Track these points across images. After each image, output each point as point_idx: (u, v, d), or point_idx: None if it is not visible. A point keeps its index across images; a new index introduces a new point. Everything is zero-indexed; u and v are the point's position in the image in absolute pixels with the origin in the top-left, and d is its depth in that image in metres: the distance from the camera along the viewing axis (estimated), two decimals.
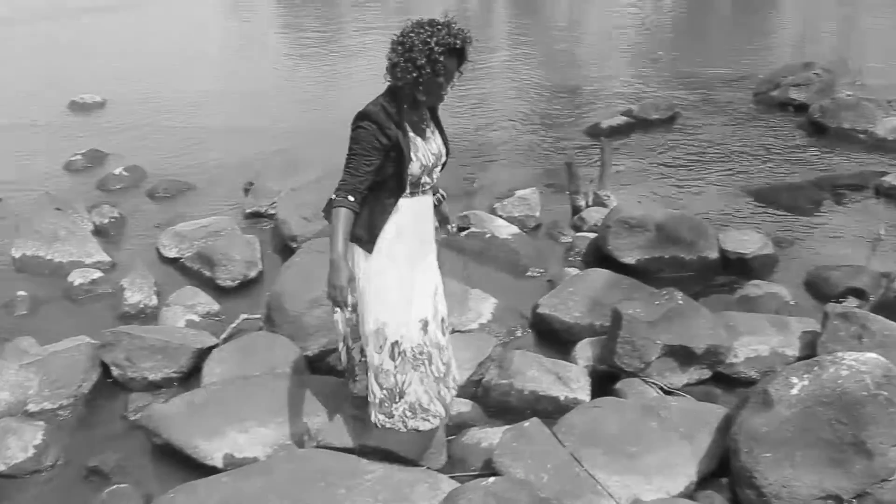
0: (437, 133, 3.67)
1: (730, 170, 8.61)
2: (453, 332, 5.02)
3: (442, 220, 4.08)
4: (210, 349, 4.97)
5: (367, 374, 3.77)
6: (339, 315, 3.77)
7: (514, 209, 7.10)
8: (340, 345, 3.90)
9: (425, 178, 3.60)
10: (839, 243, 6.79)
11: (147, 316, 5.76)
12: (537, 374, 4.54)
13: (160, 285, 6.08)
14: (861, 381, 3.55)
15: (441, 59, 3.33)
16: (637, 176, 8.35)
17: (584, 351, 4.83)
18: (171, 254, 6.65)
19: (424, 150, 3.55)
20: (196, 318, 5.58)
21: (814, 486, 3.56)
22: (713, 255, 6.13)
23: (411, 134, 3.50)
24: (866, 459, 3.52)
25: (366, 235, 3.53)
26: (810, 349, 4.74)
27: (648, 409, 4.12)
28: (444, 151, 3.69)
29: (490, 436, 4.12)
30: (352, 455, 3.94)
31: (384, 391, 3.70)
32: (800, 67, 11.71)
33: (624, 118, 10.20)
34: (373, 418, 3.78)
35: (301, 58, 15.63)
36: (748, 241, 6.18)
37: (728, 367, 4.74)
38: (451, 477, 3.88)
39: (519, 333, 5.32)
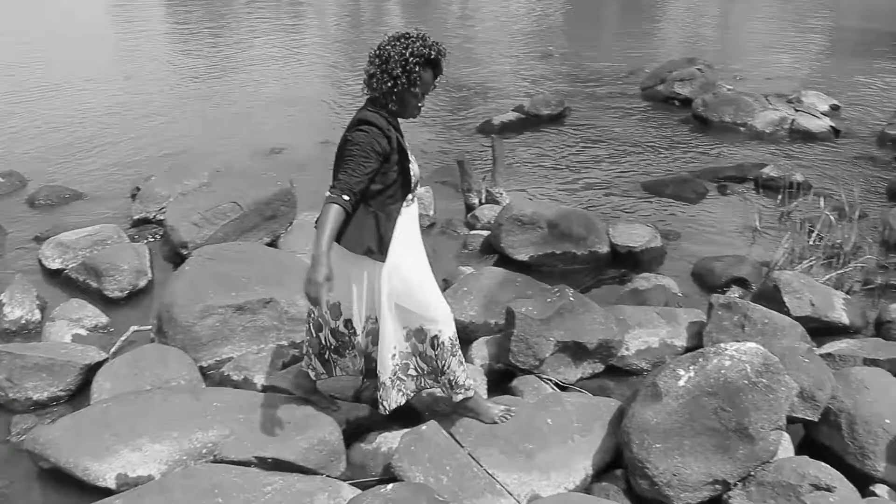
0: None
1: (619, 164, 8.84)
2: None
3: None
4: (99, 364, 4.79)
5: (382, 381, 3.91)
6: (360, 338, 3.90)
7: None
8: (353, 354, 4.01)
9: (415, 188, 3.72)
10: (723, 234, 7.06)
11: (30, 332, 5.51)
12: None
13: (43, 299, 5.81)
14: (742, 371, 3.70)
15: (416, 69, 3.46)
16: (529, 172, 8.48)
17: (480, 350, 4.87)
18: (55, 265, 6.36)
19: (413, 159, 3.68)
20: (83, 332, 5.36)
21: (702, 473, 3.69)
22: (604, 249, 6.28)
23: (402, 138, 3.61)
24: (749, 444, 3.67)
25: (376, 246, 3.57)
26: (697, 339, 4.91)
27: (544, 405, 4.19)
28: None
29: (389, 440, 4.12)
30: (250, 468, 3.88)
31: (429, 368, 3.95)
32: (683, 63, 12.12)
33: (515, 114, 10.34)
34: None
35: (189, 57, 15.25)
36: (637, 235, 6.35)
37: (620, 360, 4.87)
38: (352, 484, 3.87)
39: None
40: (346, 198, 3.38)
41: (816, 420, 4.09)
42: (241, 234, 6.28)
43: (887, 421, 3.95)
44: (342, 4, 22.76)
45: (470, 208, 7.12)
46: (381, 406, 3.96)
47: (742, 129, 10.14)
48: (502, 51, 15.25)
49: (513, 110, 10.49)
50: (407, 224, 3.71)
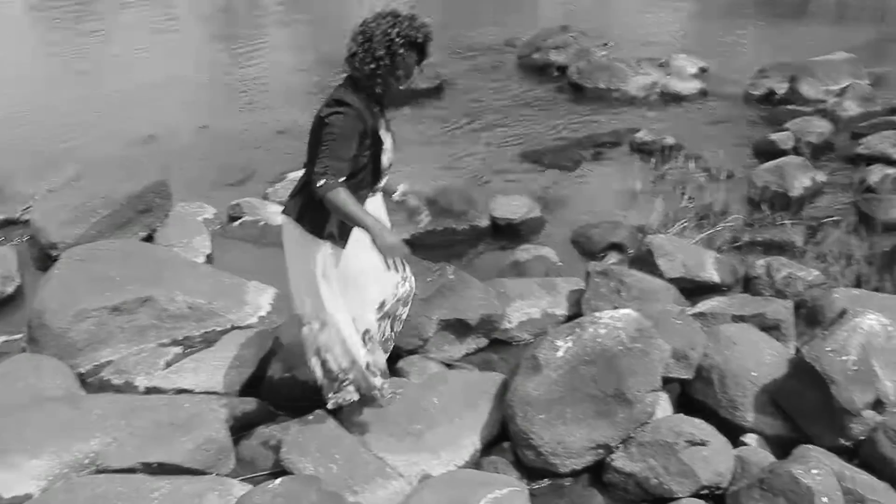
0: (387, 129, 3.63)
1: (497, 135, 8.94)
2: (232, 328, 4.96)
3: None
4: None
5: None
6: (306, 329, 3.80)
7: (286, 193, 6.87)
8: (313, 360, 3.87)
9: (386, 174, 3.62)
10: (601, 200, 7.23)
11: None
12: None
13: None
14: (617, 337, 3.83)
15: (401, 51, 3.31)
16: (408, 149, 8.39)
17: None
18: None
19: (389, 144, 3.57)
20: None
21: (585, 439, 3.81)
22: (484, 222, 6.37)
23: (378, 122, 3.48)
24: (628, 408, 3.81)
25: (338, 231, 3.49)
26: (577, 307, 5.04)
27: (430, 385, 4.24)
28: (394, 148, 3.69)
29: (278, 433, 4.08)
30: (136, 475, 3.77)
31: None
32: (557, 30, 12.29)
33: None
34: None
35: (50, 36, 14.54)
36: (516, 206, 6.46)
37: (503, 333, 4.96)
38: (242, 480, 3.83)
39: (300, 323, 5.26)
40: (342, 179, 3.25)
41: (691, 378, 4.27)
42: (115, 231, 6.07)
43: (754, 374, 4.15)
44: None
45: None
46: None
47: (616, 94, 10.39)
48: None
49: None
50: (374, 212, 3.59)
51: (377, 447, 3.89)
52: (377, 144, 3.45)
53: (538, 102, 10.16)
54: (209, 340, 4.84)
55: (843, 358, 3.83)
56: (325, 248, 3.53)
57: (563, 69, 11.28)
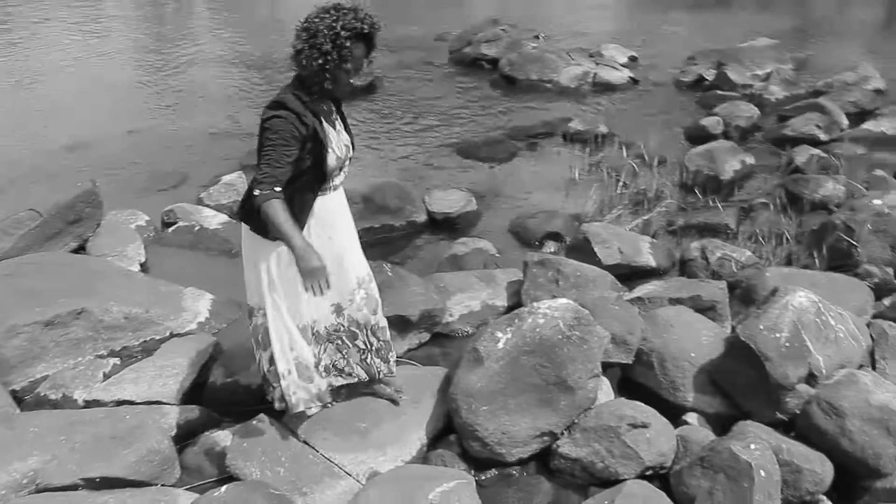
0: (341, 126, 3.58)
1: (432, 130, 8.94)
2: (171, 336, 4.89)
3: None
4: None
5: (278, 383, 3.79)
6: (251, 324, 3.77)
7: (221, 196, 6.88)
8: (258, 353, 3.86)
9: (337, 173, 3.53)
10: (537, 191, 7.29)
11: None
12: None
13: None
14: (556, 326, 3.87)
15: (348, 44, 3.23)
16: None
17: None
18: None
19: (338, 142, 3.46)
20: None
21: (529, 428, 3.85)
22: (421, 217, 6.37)
23: (325, 124, 3.39)
24: (570, 395, 3.85)
25: (264, 227, 3.36)
26: (517, 297, 5.07)
27: (374, 382, 4.22)
28: (351, 146, 3.61)
29: (223, 439, 4.03)
30: (78, 492, 3.69)
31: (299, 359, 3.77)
32: (488, 24, 12.35)
33: None
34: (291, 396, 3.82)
35: None
36: (452, 200, 6.47)
37: (445, 327, 4.97)
38: (188, 489, 3.77)
39: (240, 326, 5.18)
40: (278, 189, 3.20)
41: (631, 362, 4.34)
42: (45, 243, 5.91)
43: (692, 355, 4.24)
44: None
45: None
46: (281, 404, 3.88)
47: (548, 85, 10.48)
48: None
49: None
50: (324, 213, 3.54)
51: (324, 447, 3.87)
52: (318, 146, 3.35)
53: (471, 96, 10.19)
54: (148, 349, 4.75)
55: (776, 335, 3.93)
56: (273, 249, 3.48)
57: (494, 62, 11.34)
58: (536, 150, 8.30)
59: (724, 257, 5.57)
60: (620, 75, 10.73)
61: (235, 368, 4.48)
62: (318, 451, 3.86)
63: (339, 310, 3.79)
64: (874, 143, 8.34)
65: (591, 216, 6.43)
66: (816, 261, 5.59)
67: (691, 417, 4.11)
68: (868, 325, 4.55)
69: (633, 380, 4.40)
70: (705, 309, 4.73)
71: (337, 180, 3.58)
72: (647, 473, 3.79)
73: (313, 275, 3.23)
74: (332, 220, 3.62)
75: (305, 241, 3.27)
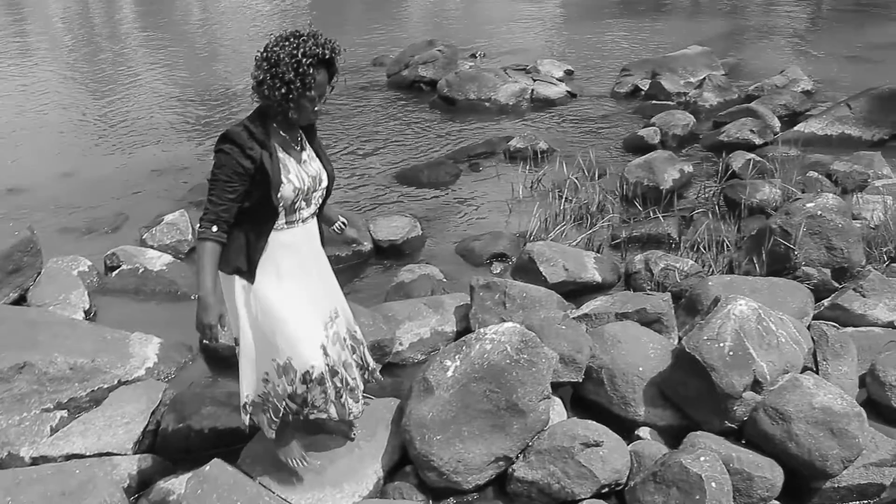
0: (314, 156, 3.50)
1: (373, 156, 8.94)
2: (120, 384, 4.81)
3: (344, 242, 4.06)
4: None
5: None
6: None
7: (164, 237, 6.78)
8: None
9: (301, 204, 3.40)
10: (481, 212, 7.35)
11: None
12: (213, 410, 4.42)
13: None
14: (503, 351, 3.89)
15: (311, 71, 3.17)
16: None
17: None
18: None
19: (298, 172, 3.35)
20: None
21: (484, 454, 3.85)
22: (367, 246, 6.36)
23: (281, 154, 3.30)
24: (522, 418, 3.87)
25: (245, 265, 3.36)
26: (466, 322, 5.10)
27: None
28: (323, 175, 3.51)
29: (177, 487, 3.97)
30: None
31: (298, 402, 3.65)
32: (424, 45, 12.40)
33: None
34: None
35: None
36: (397, 227, 6.48)
37: (396, 356, 4.97)
38: None
39: (191, 369, 5.15)
40: (216, 229, 3.22)
41: (581, 380, 4.38)
42: None
43: (640, 369, 4.30)
44: (67, 7, 21.39)
45: None
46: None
47: (487, 104, 10.56)
48: (246, 49, 14.88)
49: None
50: (289, 247, 3.43)
51: (279, 489, 3.83)
52: (265, 178, 3.22)
53: (411, 119, 10.23)
54: (96, 400, 4.68)
55: (720, 345, 4.00)
56: (237, 283, 3.40)
57: (433, 84, 11.40)
58: (479, 171, 8.35)
59: (668, 268, 5.66)
60: (558, 90, 10.86)
61: (188, 413, 4.42)
62: (273, 493, 3.82)
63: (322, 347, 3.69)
64: (805, 144, 8.56)
65: (536, 234, 6.49)
66: (757, 266, 5.70)
67: (644, 432, 4.16)
68: (809, 328, 4.65)
69: (585, 397, 4.44)
70: (651, 322, 4.80)
71: (304, 212, 3.45)
72: (604, 491, 3.82)
73: (202, 329, 3.34)
74: (300, 254, 3.51)
75: (213, 292, 3.30)
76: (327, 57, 3.24)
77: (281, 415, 3.65)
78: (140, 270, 6.16)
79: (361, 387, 3.94)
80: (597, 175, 7.35)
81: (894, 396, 4.38)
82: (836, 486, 3.86)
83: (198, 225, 3.26)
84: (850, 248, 5.58)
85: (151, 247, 6.64)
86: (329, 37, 3.27)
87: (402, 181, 8.12)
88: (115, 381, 4.86)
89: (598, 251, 6.25)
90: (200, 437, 4.36)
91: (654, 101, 10.29)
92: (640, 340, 4.48)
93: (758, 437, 3.87)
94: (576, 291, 5.57)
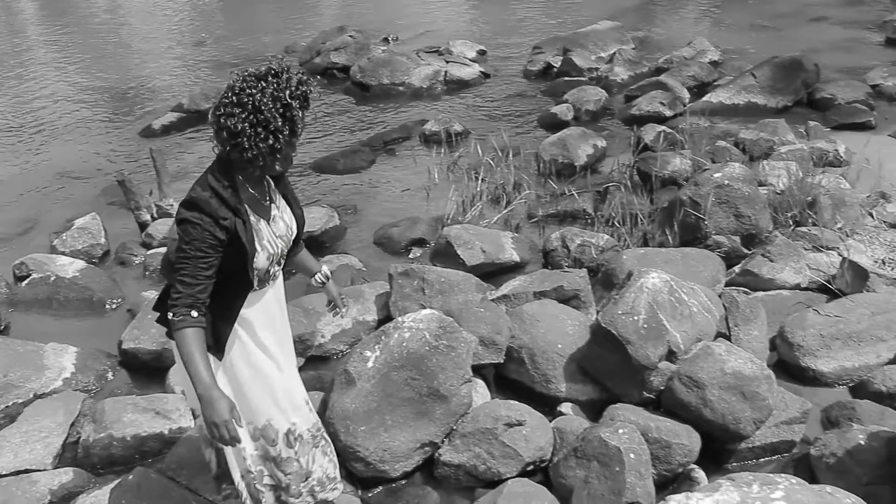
0: (283, 206, 3.08)
1: None
2: (35, 398, 4.70)
3: (330, 302, 3.59)
4: None
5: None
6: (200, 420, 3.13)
7: (75, 242, 6.60)
8: (208, 452, 3.36)
9: (274, 268, 3.04)
10: (400, 198, 7.34)
11: None
12: (134, 417, 4.34)
13: None
14: (422, 338, 3.92)
15: (299, 114, 2.74)
16: (199, 174, 8.18)
17: (178, 375, 4.73)
18: None
19: (270, 237, 2.96)
20: None
21: (409, 441, 3.89)
22: None
23: (252, 219, 2.88)
24: (444, 403, 3.91)
25: (211, 341, 2.91)
26: (387, 310, 5.10)
27: None
28: (294, 228, 3.12)
29: (101, 498, 3.90)
30: None
31: (290, 476, 3.23)
32: (335, 32, 12.30)
33: (176, 114, 9.90)
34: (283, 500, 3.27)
35: None
36: (314, 219, 6.42)
37: (319, 349, 4.96)
38: None
39: (110, 377, 5.04)
40: (195, 314, 2.76)
41: (502, 361, 4.43)
42: None
43: (560, 346, 4.37)
44: None
45: (143, 227, 6.80)
46: None
47: (401, 88, 10.53)
48: (155, 45, 14.54)
49: (172, 110, 10.04)
50: (260, 310, 3.06)
51: (206, 490, 3.79)
52: (242, 249, 2.84)
53: (325, 107, 10.13)
54: (11, 416, 4.56)
55: (634, 318, 4.09)
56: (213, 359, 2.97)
57: (346, 70, 11.31)
58: (395, 156, 8.34)
59: (584, 244, 5.75)
60: (471, 71, 10.88)
61: (108, 422, 4.33)
62: (201, 496, 3.79)
63: (311, 405, 3.35)
64: (714, 113, 8.77)
65: (453, 217, 6.51)
66: (669, 237, 5.83)
67: (566, 407, 4.24)
68: (720, 296, 4.79)
69: (508, 377, 4.50)
70: (569, 298, 4.88)
71: (275, 271, 3.10)
72: (529, 469, 3.89)
73: (215, 428, 2.74)
74: (270, 315, 3.15)
75: (212, 383, 2.76)
76: (311, 94, 2.81)
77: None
78: (52, 278, 5.99)
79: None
80: (511, 155, 7.40)
81: (802, 356, 4.56)
82: (750, 446, 4.00)
83: (170, 315, 2.77)
84: (758, 215, 5.75)
85: (63, 253, 6.46)
86: (299, 71, 2.83)
87: (318, 171, 8.05)
88: (31, 395, 4.75)
89: (515, 231, 6.31)
90: (123, 446, 4.28)
91: (566, 78, 10.38)
92: (559, 318, 4.55)
93: (674, 405, 3.98)
94: (495, 272, 5.62)
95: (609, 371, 4.21)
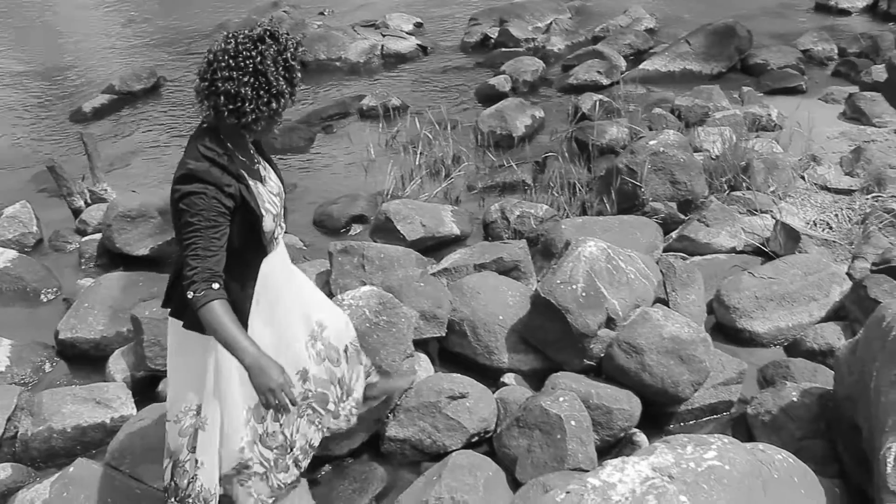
0: (266, 166, 3.04)
1: None
2: None
3: None
4: None
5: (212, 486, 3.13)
6: (170, 427, 3.16)
7: (5, 231, 6.38)
8: (166, 461, 3.23)
9: (278, 230, 3.03)
10: (339, 174, 7.29)
11: None
12: (74, 408, 4.26)
13: None
14: (362, 315, 3.93)
15: (298, 76, 2.75)
16: (134, 157, 8.03)
17: (118, 363, 4.66)
18: None
19: (270, 198, 2.94)
20: None
21: None
22: None
23: (250, 182, 2.84)
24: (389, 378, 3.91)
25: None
26: (328, 288, 5.06)
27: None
28: (282, 187, 3.09)
29: (41, 493, 3.81)
30: None
31: (275, 451, 3.20)
32: (269, 7, 12.11)
33: (107, 96, 9.55)
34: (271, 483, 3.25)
35: None
36: None
37: None
38: None
39: (48, 368, 4.93)
40: (216, 286, 2.69)
41: (444, 334, 4.44)
42: None
43: (501, 317, 4.40)
44: None
45: (77, 213, 6.63)
46: None
47: (338, 63, 10.41)
48: (83, 25, 14.05)
49: (103, 92, 9.71)
50: (268, 278, 3.04)
51: (150, 478, 3.75)
52: (252, 214, 2.83)
53: None
54: None
55: (573, 287, 4.14)
56: (213, 345, 2.90)
57: None
58: (333, 133, 8.26)
59: (523, 215, 5.78)
60: (408, 44, 10.80)
61: (47, 414, 4.25)
62: (145, 484, 3.75)
63: (304, 375, 3.32)
64: (650, 81, 8.85)
65: (392, 192, 6.50)
66: (608, 205, 5.89)
67: (509, 378, 4.28)
68: (658, 262, 4.86)
69: (451, 350, 4.52)
70: (509, 270, 4.91)
71: (279, 235, 3.10)
72: (474, 440, 3.92)
73: (273, 392, 2.73)
74: (276, 280, 3.11)
75: (257, 349, 2.74)
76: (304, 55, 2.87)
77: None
78: None
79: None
80: (450, 128, 7.39)
81: (738, 318, 4.66)
82: (689, 408, 4.09)
83: (190, 293, 2.68)
84: (693, 181, 5.83)
85: None
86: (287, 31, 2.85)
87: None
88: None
89: (455, 204, 6.32)
90: (64, 438, 4.22)
91: (503, 49, 10.36)
92: (499, 289, 4.57)
93: (615, 371, 4.04)
94: (435, 246, 5.64)
95: (550, 340, 4.25)
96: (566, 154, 6.92)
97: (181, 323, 2.97)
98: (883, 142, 6.67)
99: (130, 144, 8.34)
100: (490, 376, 4.30)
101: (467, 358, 4.43)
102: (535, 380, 4.25)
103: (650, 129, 7.01)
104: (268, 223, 2.91)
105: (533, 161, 7.01)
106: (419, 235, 5.60)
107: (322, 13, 12.63)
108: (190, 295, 2.67)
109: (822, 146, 6.73)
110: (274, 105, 2.71)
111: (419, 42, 10.91)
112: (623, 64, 9.36)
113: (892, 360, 3.13)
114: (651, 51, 9.93)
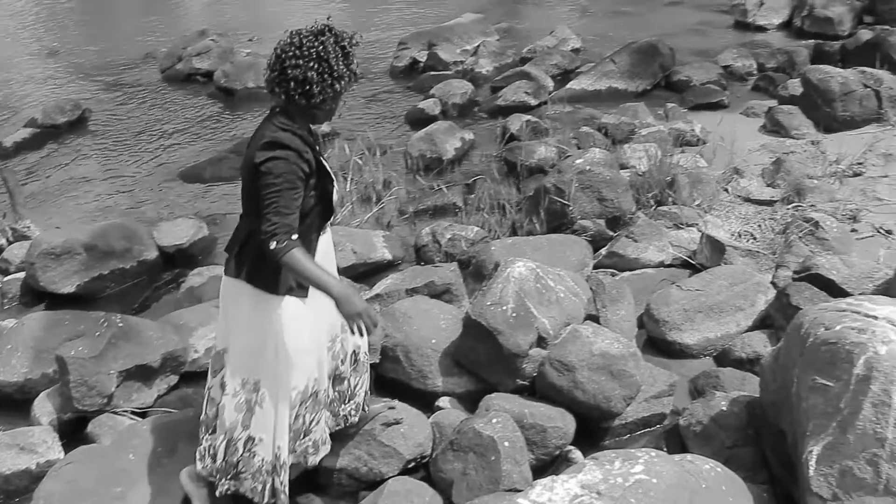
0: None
1: (152, 159, 8.52)
2: None
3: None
4: None
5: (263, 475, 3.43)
6: (227, 401, 3.38)
7: None
8: (220, 438, 3.43)
9: (337, 207, 3.34)
10: None
11: None
12: None
13: None
14: None
15: (355, 62, 3.10)
16: (58, 192, 7.84)
17: (44, 406, 4.52)
18: None
19: (332, 175, 3.25)
20: None
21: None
22: (152, 254, 6.09)
23: (320, 156, 3.17)
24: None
25: (296, 283, 3.16)
26: None
27: (121, 442, 4.04)
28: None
29: None
30: None
31: (292, 432, 3.40)
32: (196, 36, 12.00)
33: (29, 129, 9.27)
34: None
35: None
36: (181, 231, 6.26)
37: (194, 364, 4.80)
38: None
39: None
40: (295, 237, 2.98)
41: (378, 361, 4.43)
42: None
43: (434, 341, 4.41)
44: None
45: None
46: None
47: (266, 91, 10.32)
48: (3, 54, 13.77)
49: (25, 126, 9.45)
50: (323, 252, 3.34)
51: None
52: (324, 179, 3.17)
53: (189, 115, 9.86)
54: None
55: (503, 308, 4.17)
56: (286, 306, 3.19)
57: (209, 75, 11.03)
58: None
59: (455, 237, 5.81)
60: None
61: None
62: None
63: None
64: (578, 100, 9.00)
65: None
66: (537, 225, 5.95)
67: (444, 402, 4.28)
68: (587, 279, 4.92)
69: (386, 376, 4.50)
70: (441, 293, 4.93)
71: (336, 213, 3.44)
72: (411, 466, 3.90)
73: (359, 317, 3.06)
74: (329, 260, 3.46)
75: (341, 283, 3.13)
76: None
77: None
78: None
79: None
80: (380, 153, 7.40)
81: (668, 331, 4.74)
82: (623, 422, 4.13)
83: (271, 244, 2.94)
84: (620, 198, 5.93)
85: None
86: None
87: (184, 180, 7.82)
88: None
89: (387, 229, 6.32)
90: None
91: (432, 73, 10.44)
92: (431, 313, 4.58)
93: (548, 389, 4.07)
94: (368, 272, 5.63)
95: (483, 362, 4.26)
96: (496, 175, 6.99)
97: (251, 287, 3.18)
98: (801, 153, 6.89)
99: (54, 180, 8.14)
100: (425, 401, 4.29)
101: (402, 383, 4.42)
102: (470, 402, 4.26)
103: (578, 148, 7.12)
104: (335, 191, 3.25)
105: (463, 183, 7.06)
106: (351, 262, 5.59)
107: (251, 40, 12.57)
108: (273, 245, 2.94)
109: (744, 159, 6.92)
110: (337, 86, 3.05)
111: None
112: (550, 84, 9.51)
113: (811, 365, 3.22)
114: (577, 70, 10.11)
